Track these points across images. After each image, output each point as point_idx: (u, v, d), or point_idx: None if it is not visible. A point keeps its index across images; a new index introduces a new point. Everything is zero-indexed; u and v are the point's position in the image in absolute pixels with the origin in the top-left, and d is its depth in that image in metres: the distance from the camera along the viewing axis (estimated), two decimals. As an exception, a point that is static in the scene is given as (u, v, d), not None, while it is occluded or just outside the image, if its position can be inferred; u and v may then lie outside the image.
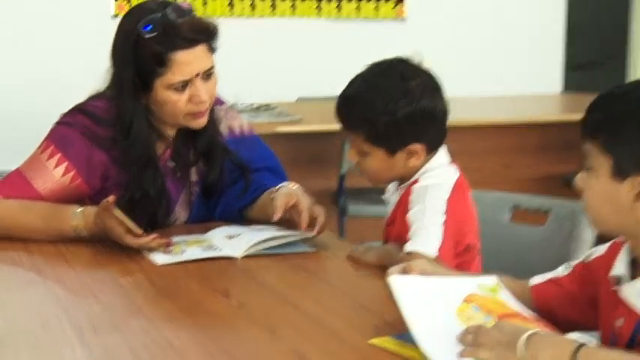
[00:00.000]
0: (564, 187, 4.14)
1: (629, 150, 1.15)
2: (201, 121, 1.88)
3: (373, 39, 7.10)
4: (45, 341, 1.31)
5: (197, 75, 1.82)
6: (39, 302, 1.49)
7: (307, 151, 3.85)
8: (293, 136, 3.67)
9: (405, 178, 1.70)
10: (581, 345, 1.06)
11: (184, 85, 1.82)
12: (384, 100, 1.60)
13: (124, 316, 1.42)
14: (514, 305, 1.28)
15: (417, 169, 1.67)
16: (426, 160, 1.68)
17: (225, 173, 1.97)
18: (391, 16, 7.16)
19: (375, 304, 1.45)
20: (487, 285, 1.31)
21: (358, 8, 7.03)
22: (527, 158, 4.31)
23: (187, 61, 1.80)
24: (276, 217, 1.78)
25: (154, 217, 1.88)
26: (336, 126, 3.57)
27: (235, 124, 2.05)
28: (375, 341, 1.28)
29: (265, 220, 1.89)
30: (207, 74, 1.84)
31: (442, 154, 1.70)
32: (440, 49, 7.19)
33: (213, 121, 1.95)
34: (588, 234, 1.77)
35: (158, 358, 1.24)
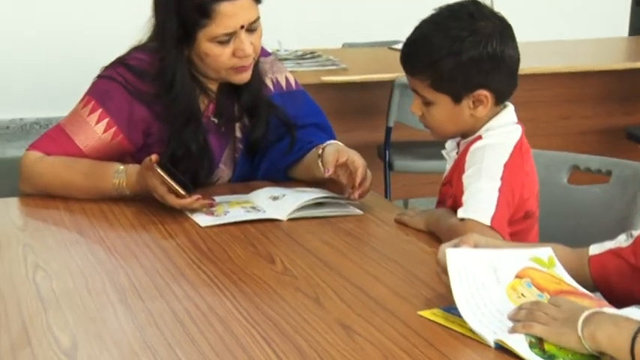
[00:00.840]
0: (628, 140, 3.99)
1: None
2: (245, 76, 1.82)
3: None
4: (88, 305, 1.30)
5: (242, 27, 1.76)
6: (82, 264, 1.47)
7: (353, 102, 3.77)
8: (339, 85, 3.59)
9: (469, 133, 1.62)
10: None
11: (228, 37, 1.76)
12: (450, 39, 1.52)
13: (167, 280, 1.39)
14: (569, 281, 1.22)
15: (482, 123, 1.60)
16: (493, 114, 1.60)
17: (271, 129, 1.91)
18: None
19: (423, 273, 1.40)
20: (541, 258, 1.24)
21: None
22: (587, 109, 4.14)
23: (232, 12, 1.74)
24: (329, 173, 1.72)
25: (196, 175, 1.84)
26: (384, 75, 3.56)
27: (281, 77, 1.98)
28: (424, 313, 1.24)
29: (311, 179, 1.84)
30: (252, 26, 1.78)
31: (510, 112, 1.62)
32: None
33: (257, 75, 1.89)
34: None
35: (201, 325, 1.22)
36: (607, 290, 1.28)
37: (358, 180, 1.72)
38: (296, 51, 3.91)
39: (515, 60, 1.57)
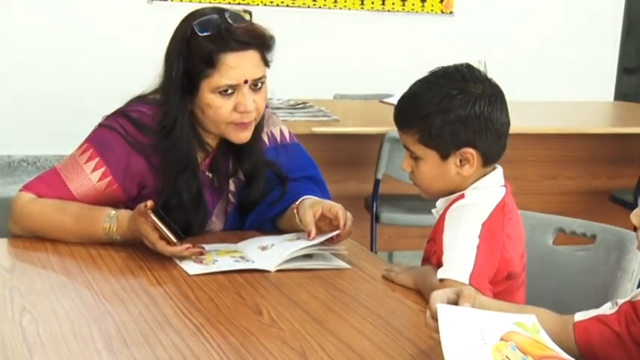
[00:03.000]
0: (611, 202, 4.04)
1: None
2: (244, 135, 1.84)
3: (418, 34, 7.03)
4: (74, 351, 1.29)
5: (245, 82, 1.78)
6: (69, 308, 1.47)
7: (343, 153, 3.81)
8: (329, 136, 3.63)
9: (456, 192, 1.64)
10: None
11: (231, 90, 1.78)
12: (440, 97, 1.57)
13: (154, 328, 1.39)
14: (552, 346, 1.23)
15: (469, 183, 1.63)
16: (481, 175, 1.63)
17: (265, 188, 1.93)
18: (438, 9, 7.05)
19: (409, 331, 1.42)
20: (525, 324, 1.25)
21: (403, 0, 6.92)
22: (573, 170, 4.20)
23: (237, 64, 1.76)
24: (313, 235, 1.74)
25: (189, 226, 1.85)
26: (375, 128, 3.60)
27: (276, 130, 2.01)
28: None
29: (292, 231, 1.85)
30: (257, 85, 1.81)
31: (497, 174, 1.65)
32: (488, 47, 7.13)
33: (257, 141, 1.91)
34: (635, 264, 1.70)
35: (186, 376, 1.22)
36: (591, 357, 1.29)
37: (342, 224, 1.74)
38: (288, 100, 3.96)
39: (504, 124, 1.60)
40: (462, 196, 1.62)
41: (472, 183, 1.63)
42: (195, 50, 1.76)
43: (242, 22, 1.79)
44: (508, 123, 1.61)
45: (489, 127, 1.58)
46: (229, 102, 1.79)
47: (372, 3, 6.90)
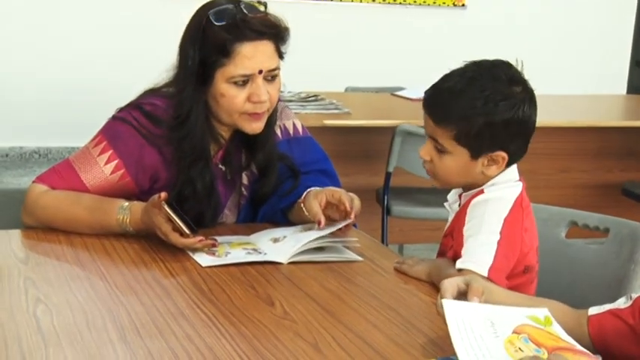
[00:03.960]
0: (624, 196, 4.03)
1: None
2: (257, 126, 1.84)
3: (430, 27, 7.01)
4: (88, 341, 1.30)
5: (260, 72, 1.78)
6: (82, 299, 1.48)
7: (354, 146, 3.80)
8: (341, 129, 3.62)
9: (472, 187, 1.64)
10: None
11: (245, 80, 1.78)
12: (484, 99, 1.54)
13: (167, 319, 1.40)
14: (566, 338, 1.23)
15: (486, 180, 1.62)
16: (499, 173, 1.62)
17: (278, 180, 1.93)
18: (450, 2, 7.04)
19: (421, 323, 1.42)
20: (538, 316, 1.25)
21: (416, -7, 6.89)
22: (585, 163, 4.18)
23: (251, 54, 1.77)
24: (322, 224, 1.74)
25: (201, 217, 1.85)
26: (386, 121, 3.59)
27: (289, 123, 2.01)
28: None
29: (303, 223, 1.86)
30: (271, 75, 1.81)
31: (513, 170, 1.64)
32: (499, 40, 7.10)
33: (271, 134, 1.92)
34: (649, 257, 1.70)
35: (199, 367, 1.22)
36: (605, 350, 1.28)
37: (348, 205, 1.75)
38: (299, 93, 3.95)
39: (534, 126, 1.60)
40: (481, 192, 1.62)
41: (490, 179, 1.62)
42: (211, 39, 1.76)
43: (257, 12, 1.80)
44: (535, 126, 1.61)
45: (524, 131, 1.58)
46: (243, 92, 1.79)
47: (384, -5, 6.89)
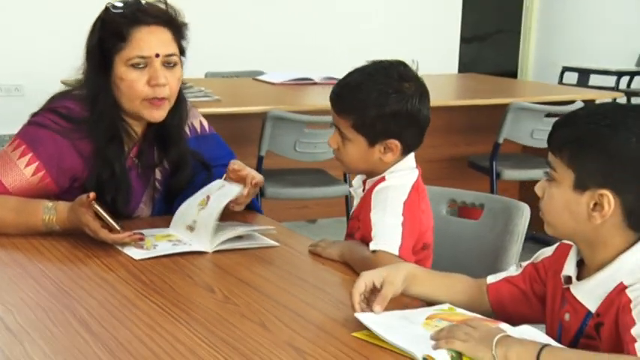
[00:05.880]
0: (469, 168, 4.43)
1: (590, 167, 1.34)
2: (158, 114, 1.97)
3: (277, 7, 7.21)
4: (58, 335, 1.42)
5: (157, 56, 1.92)
6: (36, 297, 1.58)
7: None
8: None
9: (374, 173, 1.86)
10: (545, 345, 1.26)
11: (143, 62, 1.92)
12: (377, 92, 1.77)
13: (122, 310, 1.54)
14: (470, 314, 1.48)
15: (387, 166, 1.84)
16: (397, 160, 1.84)
17: (191, 173, 2.08)
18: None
19: (347, 299, 1.61)
20: (442, 308, 1.51)
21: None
22: (434, 139, 4.52)
23: (146, 37, 1.92)
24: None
25: (114, 205, 1.97)
26: (259, 107, 3.76)
27: (196, 122, 2.17)
28: (358, 334, 1.45)
29: None
30: (168, 61, 1.95)
31: (410, 158, 1.87)
32: (342, 19, 7.41)
33: (182, 131, 2.08)
34: (521, 228, 1.99)
35: (170, 351, 1.37)
36: (502, 313, 1.55)
37: (248, 178, 1.98)
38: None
39: (427, 119, 1.83)
40: (382, 179, 1.85)
41: (390, 166, 1.85)
42: (108, 26, 1.92)
43: (155, 4, 1.96)
44: (429, 119, 1.85)
45: (415, 122, 1.81)
46: (142, 76, 1.93)
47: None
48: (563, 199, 1.38)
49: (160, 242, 1.90)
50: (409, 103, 1.79)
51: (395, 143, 1.81)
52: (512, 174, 4.34)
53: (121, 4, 1.93)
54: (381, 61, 1.85)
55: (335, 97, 1.85)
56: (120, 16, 1.91)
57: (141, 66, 1.91)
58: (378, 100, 1.77)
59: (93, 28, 1.97)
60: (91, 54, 1.96)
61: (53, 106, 1.99)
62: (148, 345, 1.39)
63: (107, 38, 1.92)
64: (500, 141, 4.21)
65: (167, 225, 2.01)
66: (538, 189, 1.44)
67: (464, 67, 8.56)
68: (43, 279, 1.69)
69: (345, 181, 3.95)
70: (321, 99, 4.28)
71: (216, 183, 1.99)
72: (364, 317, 1.45)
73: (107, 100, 1.96)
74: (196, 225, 1.94)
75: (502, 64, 9.17)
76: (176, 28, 1.97)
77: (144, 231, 1.94)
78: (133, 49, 1.90)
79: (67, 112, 1.97)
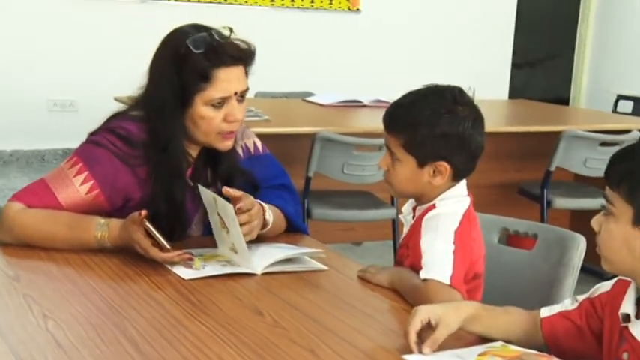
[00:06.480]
0: (519, 195, 4.38)
1: None
2: (229, 143, 2.01)
3: (325, 31, 7.24)
4: (108, 354, 1.43)
5: (235, 94, 1.94)
6: (86, 313, 1.59)
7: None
8: (261, 137, 3.76)
9: (423, 199, 1.84)
10: None
11: (222, 102, 1.94)
12: (431, 111, 1.76)
13: (170, 330, 1.53)
14: (524, 350, 1.44)
15: (437, 193, 1.82)
16: (448, 187, 1.82)
17: None
18: (345, 7, 7.30)
19: (397, 327, 1.60)
20: (495, 345, 1.47)
21: (312, -1, 7.11)
22: (483, 164, 4.48)
23: (228, 78, 1.94)
24: (226, 190, 1.91)
25: (172, 232, 1.98)
26: (307, 128, 3.76)
27: (250, 142, 2.18)
28: (408, 357, 1.42)
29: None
30: (242, 96, 1.98)
31: (462, 185, 1.85)
32: (393, 43, 7.41)
33: (234, 151, 2.08)
34: (576, 259, 1.94)
35: (217, 374, 1.37)
36: (556, 347, 1.51)
37: (240, 205, 1.90)
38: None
39: (480, 146, 1.81)
40: (433, 207, 1.83)
41: (440, 193, 1.83)
42: (190, 67, 1.92)
43: (227, 37, 1.96)
44: (483, 146, 1.82)
45: (466, 147, 1.79)
46: (220, 113, 1.96)
47: (282, 0, 7.06)
48: (622, 234, 1.35)
49: (208, 262, 1.90)
50: (461, 125, 1.77)
51: (445, 166, 1.79)
52: (563, 202, 4.27)
53: (199, 42, 1.92)
54: (437, 85, 1.84)
55: (387, 117, 1.85)
56: (203, 57, 1.92)
57: (220, 104, 1.95)
58: (430, 120, 1.76)
59: (170, 63, 1.95)
60: (166, 90, 1.95)
61: (112, 127, 2.01)
62: (195, 366, 1.39)
63: (188, 78, 1.93)
64: (552, 169, 4.15)
65: (215, 245, 2.01)
66: (595, 223, 1.41)
67: (514, 92, 8.50)
68: (93, 295, 1.70)
69: (393, 204, 3.93)
70: (370, 121, 4.28)
71: (209, 197, 1.95)
72: (412, 358, 1.42)
73: (181, 139, 1.98)
74: (236, 247, 1.94)
75: (553, 90, 9.08)
76: (250, 60, 2.00)
77: (193, 250, 1.94)
78: (217, 90, 1.93)
79: (126, 134, 1.98)
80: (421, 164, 1.80)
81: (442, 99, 1.78)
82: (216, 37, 1.94)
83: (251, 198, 1.96)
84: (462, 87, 1.84)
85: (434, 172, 1.80)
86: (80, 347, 1.44)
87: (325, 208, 3.75)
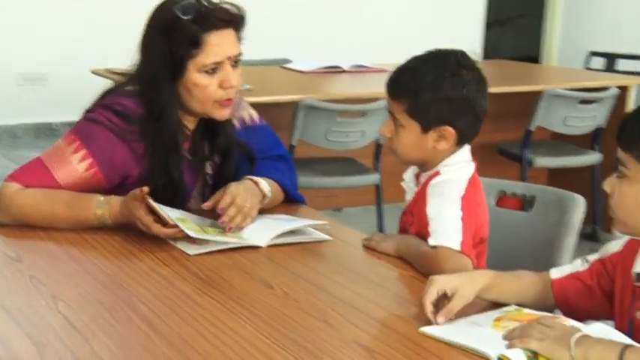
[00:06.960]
0: (500, 155, 4.40)
1: None
2: (226, 112, 1.98)
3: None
4: (123, 333, 1.42)
5: (228, 58, 1.92)
6: (94, 293, 1.58)
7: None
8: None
9: (427, 165, 1.83)
10: (628, 345, 1.24)
11: (215, 67, 1.91)
12: (433, 76, 1.74)
13: (182, 306, 1.52)
14: (539, 313, 1.45)
15: (441, 158, 1.81)
16: (452, 152, 1.81)
17: (236, 165, 2.07)
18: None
19: (409, 295, 1.61)
20: (508, 310, 1.48)
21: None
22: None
23: (219, 42, 1.90)
24: (205, 205, 1.92)
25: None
26: (291, 96, 3.74)
27: (246, 114, 2.15)
28: (426, 329, 1.43)
29: None
30: (235, 61, 1.95)
31: (465, 151, 1.84)
32: (365, 6, 7.37)
33: (230, 122, 2.05)
34: (577, 219, 1.95)
35: (235, 347, 1.36)
36: (567, 308, 1.53)
37: (220, 205, 1.88)
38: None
39: (484, 110, 1.80)
40: (437, 173, 1.82)
41: (443, 158, 1.82)
42: (180, 34, 1.88)
43: (220, 5, 1.93)
44: (486, 110, 1.82)
45: (471, 110, 1.78)
46: (214, 79, 1.92)
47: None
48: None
49: (212, 236, 1.86)
50: (465, 89, 1.76)
51: (449, 130, 1.78)
52: (543, 161, 4.31)
53: (188, 9, 1.89)
54: (439, 49, 1.82)
55: (390, 83, 1.82)
56: (192, 22, 1.88)
57: (213, 70, 1.91)
58: (433, 84, 1.74)
59: (159, 32, 1.92)
60: (157, 60, 1.92)
61: (108, 103, 1.97)
62: (212, 342, 1.38)
63: (178, 45, 1.89)
64: (533, 128, 4.18)
65: (215, 216, 1.99)
66: (607, 186, 1.41)
67: (485, 52, 8.51)
68: (99, 274, 1.68)
69: (376, 169, 3.93)
70: (352, 87, 4.27)
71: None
72: (430, 330, 1.42)
73: (175, 109, 1.95)
74: (254, 223, 1.92)
75: (523, 49, 9.11)
76: (241, 23, 1.96)
77: (196, 217, 1.93)
78: (208, 55, 1.89)
79: (123, 110, 1.95)
80: (425, 129, 1.78)
81: (445, 63, 1.77)
82: (205, 3, 1.91)
83: (230, 187, 1.91)
84: (464, 51, 1.82)
85: (438, 136, 1.79)
86: (94, 327, 1.42)
87: (309, 175, 3.73)
